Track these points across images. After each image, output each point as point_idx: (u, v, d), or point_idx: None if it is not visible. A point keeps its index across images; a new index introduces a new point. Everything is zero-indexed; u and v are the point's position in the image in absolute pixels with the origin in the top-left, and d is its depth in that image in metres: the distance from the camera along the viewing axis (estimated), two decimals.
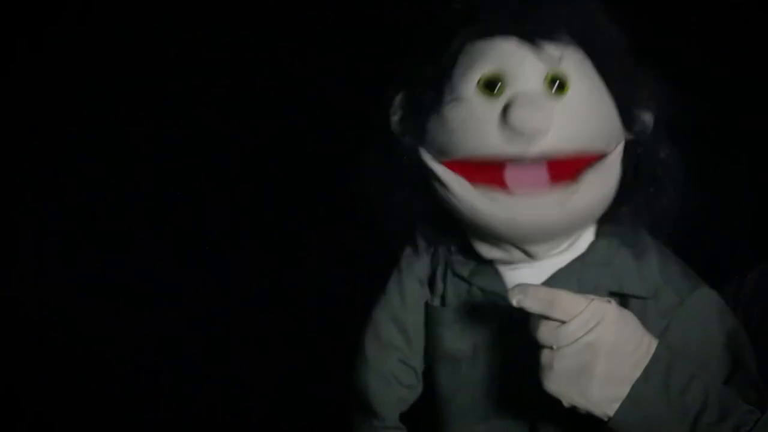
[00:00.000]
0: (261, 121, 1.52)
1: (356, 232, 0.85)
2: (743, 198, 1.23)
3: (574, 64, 0.71)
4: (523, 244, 0.75)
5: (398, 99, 0.78)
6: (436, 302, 0.84)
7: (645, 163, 0.76)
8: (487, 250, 0.78)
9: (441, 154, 0.74)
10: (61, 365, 1.57)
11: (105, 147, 1.56)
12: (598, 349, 0.66)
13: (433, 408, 0.86)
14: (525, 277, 0.78)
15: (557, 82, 0.70)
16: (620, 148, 0.74)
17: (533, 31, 0.70)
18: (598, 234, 0.79)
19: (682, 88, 0.75)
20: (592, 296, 0.68)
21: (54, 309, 1.58)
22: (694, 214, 0.75)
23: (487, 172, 0.72)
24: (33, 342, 1.56)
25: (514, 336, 0.76)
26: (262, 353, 1.53)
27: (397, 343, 0.87)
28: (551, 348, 0.66)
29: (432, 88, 0.74)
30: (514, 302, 0.67)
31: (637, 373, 0.66)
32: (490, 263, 0.80)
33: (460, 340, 0.81)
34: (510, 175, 0.71)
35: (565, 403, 0.67)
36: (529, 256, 0.77)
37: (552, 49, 0.70)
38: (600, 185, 0.73)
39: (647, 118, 0.75)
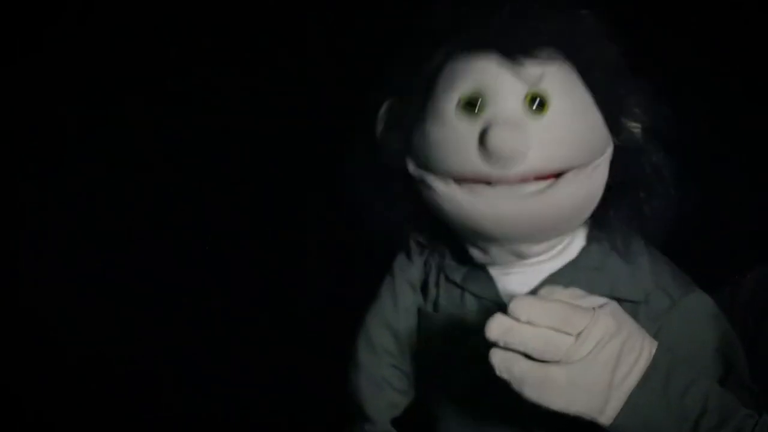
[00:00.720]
0: (261, 121, 1.52)
1: (356, 233, 0.85)
2: (740, 199, 1.23)
3: (556, 80, 0.71)
4: (510, 244, 0.75)
5: (384, 108, 0.78)
6: (429, 308, 0.84)
7: (634, 168, 0.75)
8: (477, 254, 0.78)
9: (426, 166, 0.74)
10: (60, 365, 1.57)
11: (105, 147, 1.56)
12: (603, 361, 0.65)
13: (425, 413, 0.86)
14: (518, 282, 0.78)
15: (537, 101, 0.70)
16: (607, 154, 0.74)
17: (514, 49, 0.70)
18: (590, 239, 0.79)
19: (679, 88, 0.75)
20: (596, 300, 0.68)
21: (54, 309, 1.58)
22: (690, 215, 0.75)
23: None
24: (33, 342, 1.56)
25: None
26: (261, 353, 1.53)
27: (389, 349, 0.87)
28: (557, 363, 0.65)
29: (416, 100, 0.74)
30: (522, 318, 0.66)
31: (636, 378, 0.66)
32: (483, 269, 0.80)
33: (453, 346, 0.81)
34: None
35: (570, 414, 0.67)
36: (518, 257, 0.77)
37: (533, 67, 0.70)
38: (583, 183, 0.72)
39: (635, 125, 0.75)
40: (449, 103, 0.71)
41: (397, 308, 0.86)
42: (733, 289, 0.90)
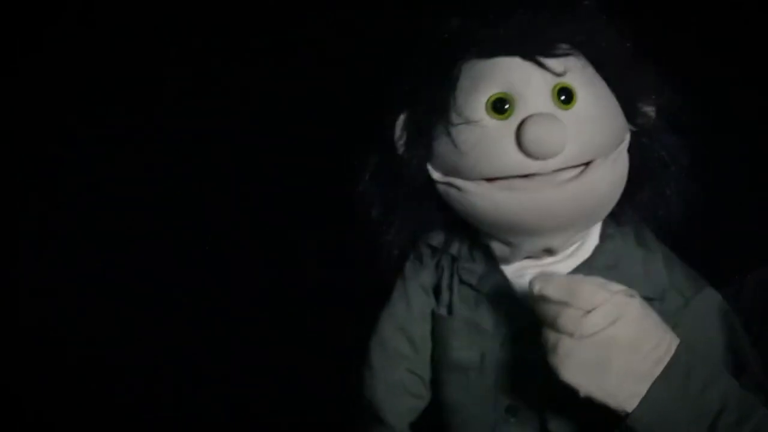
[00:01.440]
0: (261, 121, 1.52)
1: (356, 233, 0.85)
2: (745, 197, 1.23)
3: (577, 72, 0.72)
4: (543, 235, 0.75)
5: (401, 120, 0.78)
6: (443, 311, 0.85)
7: (649, 151, 0.77)
8: (502, 250, 0.78)
9: (454, 173, 0.74)
10: (60, 365, 1.56)
11: (105, 147, 1.56)
12: (619, 342, 0.66)
13: (440, 417, 0.86)
14: None
15: (564, 94, 0.71)
16: (626, 141, 0.75)
17: (537, 47, 0.71)
18: (604, 237, 0.80)
19: (683, 85, 0.76)
20: (620, 287, 0.69)
21: (54, 309, 1.58)
22: (695, 213, 0.75)
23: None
24: (32, 342, 1.56)
25: (523, 343, 0.76)
26: (261, 353, 1.53)
27: (404, 353, 0.87)
28: (570, 336, 0.66)
29: (435, 110, 0.74)
30: (536, 290, 0.67)
31: (658, 371, 0.66)
32: (498, 270, 0.80)
33: (468, 349, 0.81)
34: None
35: (582, 393, 0.67)
36: (548, 251, 0.77)
37: (555, 63, 0.71)
38: (611, 168, 0.73)
39: (650, 108, 0.76)
40: (477, 106, 0.72)
41: (411, 312, 0.87)
42: (735, 290, 0.90)
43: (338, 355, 0.93)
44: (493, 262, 0.80)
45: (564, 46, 0.71)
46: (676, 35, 1.16)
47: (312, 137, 1.44)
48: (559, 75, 0.70)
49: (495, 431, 0.80)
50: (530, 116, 0.69)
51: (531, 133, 0.67)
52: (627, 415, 0.65)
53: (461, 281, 0.83)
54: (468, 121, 0.71)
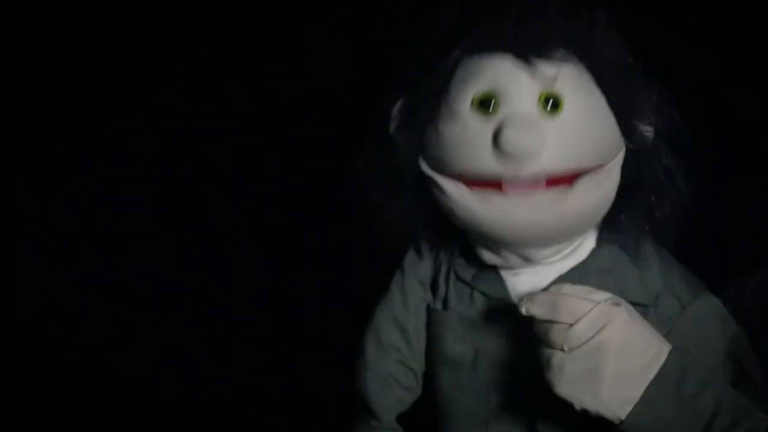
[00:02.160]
0: (262, 121, 1.52)
1: (357, 232, 0.85)
2: (745, 200, 1.23)
3: (570, 81, 0.71)
4: (521, 249, 0.76)
5: (397, 106, 0.79)
6: (438, 305, 0.85)
7: (646, 171, 0.76)
8: (488, 256, 0.79)
9: (438, 166, 0.74)
10: (60, 365, 1.56)
11: (105, 147, 1.56)
12: (607, 349, 0.66)
13: (432, 411, 0.86)
14: (527, 283, 0.78)
15: (551, 101, 0.70)
16: (619, 158, 0.74)
17: (529, 50, 0.70)
18: (600, 241, 0.80)
19: (685, 90, 0.75)
20: (605, 295, 0.69)
21: (54, 309, 1.58)
22: (696, 216, 0.75)
23: (483, 181, 0.72)
24: (32, 342, 1.56)
25: (516, 341, 0.76)
26: (261, 353, 1.53)
27: (397, 345, 0.87)
28: (562, 350, 0.66)
29: (429, 99, 0.74)
30: (524, 311, 0.68)
31: (649, 376, 0.66)
32: (493, 268, 0.80)
33: (462, 344, 0.82)
34: (506, 183, 0.71)
35: (576, 406, 0.67)
36: (528, 261, 0.77)
37: (547, 68, 0.70)
38: (596, 190, 0.73)
39: (648, 128, 0.75)
40: (463, 102, 0.71)
41: (407, 305, 0.87)
42: (735, 293, 0.90)
43: (338, 355, 0.93)
44: None
45: (559, 49, 0.70)
46: (676, 35, 1.16)
47: (312, 137, 1.45)
48: (548, 81, 0.69)
49: (487, 427, 0.81)
50: (509, 114, 0.69)
51: (505, 137, 0.66)
52: (621, 421, 0.66)
53: (457, 277, 0.83)
54: (453, 114, 0.71)
